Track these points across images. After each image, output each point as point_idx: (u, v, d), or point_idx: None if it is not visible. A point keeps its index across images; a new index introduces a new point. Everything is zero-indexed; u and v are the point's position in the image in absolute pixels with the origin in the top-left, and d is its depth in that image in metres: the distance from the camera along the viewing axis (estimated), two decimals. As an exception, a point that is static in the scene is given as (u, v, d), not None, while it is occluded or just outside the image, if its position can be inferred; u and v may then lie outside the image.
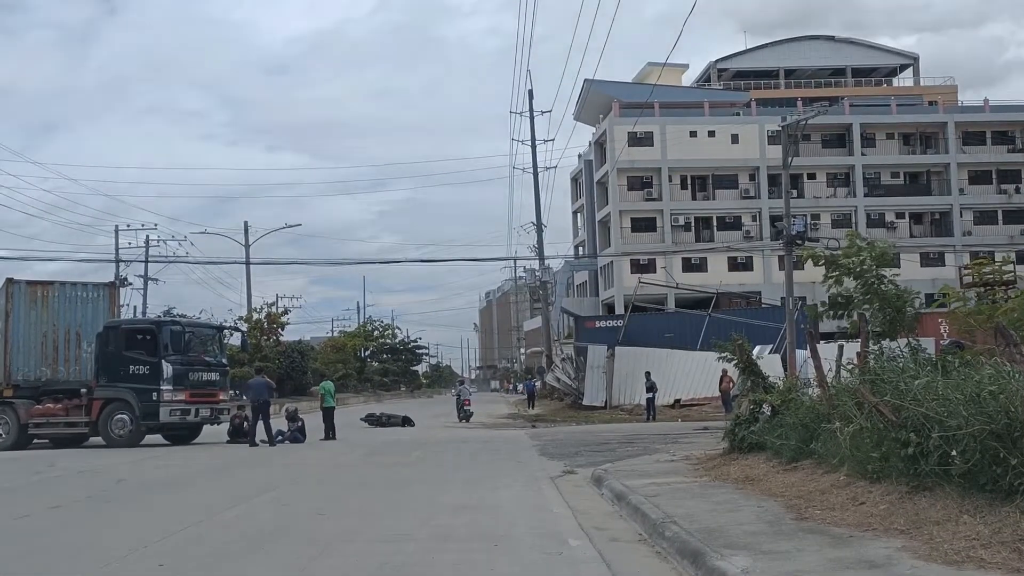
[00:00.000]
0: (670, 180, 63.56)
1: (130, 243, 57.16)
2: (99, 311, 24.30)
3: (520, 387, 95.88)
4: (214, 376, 24.08)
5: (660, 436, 22.08)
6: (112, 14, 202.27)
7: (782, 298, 36.04)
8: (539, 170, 56.39)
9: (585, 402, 37.28)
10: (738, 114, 65.73)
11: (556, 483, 13.17)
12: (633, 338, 39.51)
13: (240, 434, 24.11)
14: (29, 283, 24.25)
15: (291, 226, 61.00)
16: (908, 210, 65.06)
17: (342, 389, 47.32)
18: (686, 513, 8.73)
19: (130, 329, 23.82)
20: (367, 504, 11.28)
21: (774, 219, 59.51)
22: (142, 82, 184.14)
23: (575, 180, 77.23)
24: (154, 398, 22.75)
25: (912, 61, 77.46)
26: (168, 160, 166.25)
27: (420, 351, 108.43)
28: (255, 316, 52.00)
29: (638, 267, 60.65)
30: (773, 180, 61.94)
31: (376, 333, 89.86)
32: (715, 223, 63.77)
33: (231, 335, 32.72)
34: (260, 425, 22.71)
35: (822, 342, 23.62)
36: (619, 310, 57.22)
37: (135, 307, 52.91)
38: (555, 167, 70.56)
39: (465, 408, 35.00)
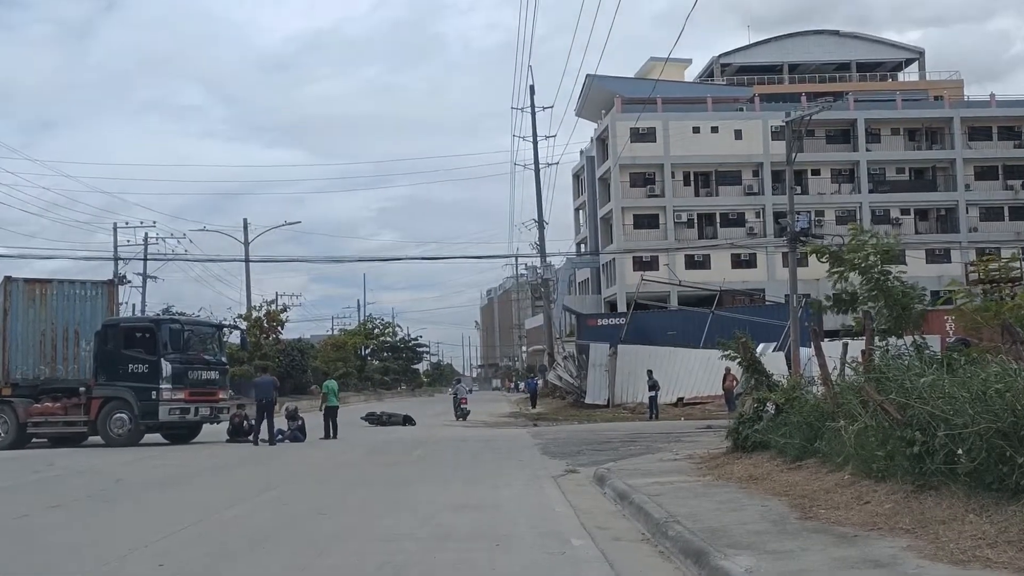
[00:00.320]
0: (673, 176, 63.50)
1: (129, 241, 57.00)
2: (98, 309, 24.32)
3: (522, 386, 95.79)
4: (213, 375, 24.10)
5: (663, 435, 22.10)
6: (110, 10, 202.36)
7: (786, 295, 36.06)
8: (540, 167, 56.25)
9: (587, 400, 37.29)
10: (741, 109, 65.65)
11: (558, 482, 13.17)
12: (636, 336, 39.50)
13: (240, 433, 24.14)
14: (27, 281, 24.25)
15: (291, 223, 61.07)
16: (913, 206, 64.99)
17: (342, 388, 47.20)
18: (689, 512, 8.73)
19: (129, 327, 23.85)
20: (367, 503, 11.29)
21: (778, 216, 59.48)
22: (141, 78, 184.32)
23: (577, 177, 77.17)
24: (153, 397, 22.76)
25: (918, 56, 77.35)
26: (167, 157, 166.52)
27: (421, 349, 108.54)
28: (255, 314, 52.01)
29: (641, 264, 60.60)
30: (777, 176, 61.89)
31: (376, 331, 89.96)
32: (718, 220, 63.72)
33: (230, 333, 32.79)
34: (263, 424, 22.74)
35: (826, 340, 23.59)
36: (621, 308, 57.16)
37: (134, 305, 52.99)
38: (557, 164, 70.69)
39: (462, 407, 35.15)
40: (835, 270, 12.28)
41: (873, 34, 78.99)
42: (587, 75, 59.17)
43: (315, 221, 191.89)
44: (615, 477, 12.20)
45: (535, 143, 55.98)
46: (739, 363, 15.53)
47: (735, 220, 63.59)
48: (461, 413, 34.99)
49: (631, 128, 58.57)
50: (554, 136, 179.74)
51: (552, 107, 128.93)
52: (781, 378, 15.16)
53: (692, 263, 61.54)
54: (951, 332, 30.60)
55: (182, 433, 24.26)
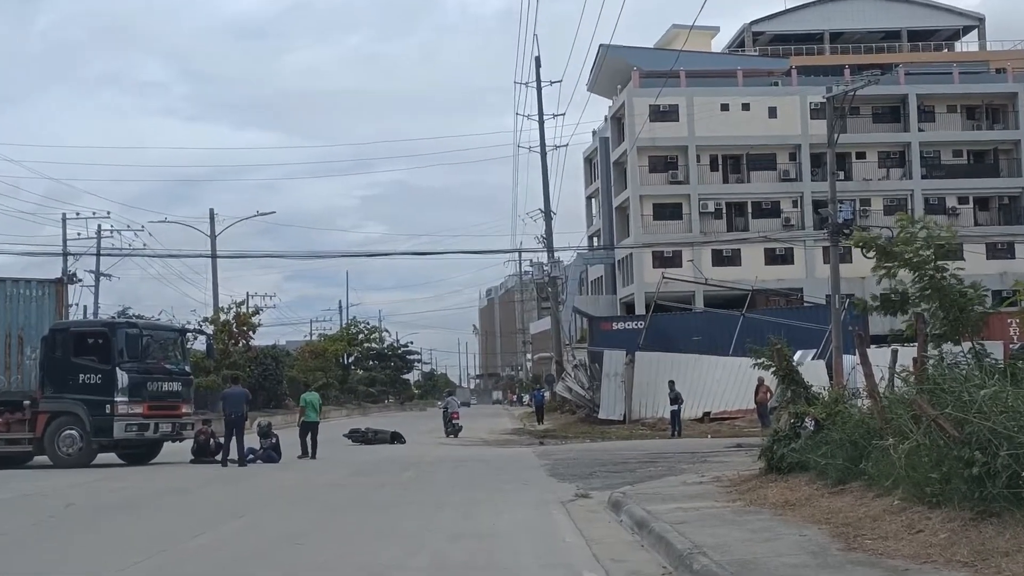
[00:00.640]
0: (698, 160, 63.49)
1: (80, 233, 56.92)
2: (44, 311, 24.32)
3: (526, 398, 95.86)
4: (176, 386, 24.15)
5: (687, 454, 22.15)
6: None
7: (827, 295, 36.00)
8: (548, 149, 56.36)
9: (601, 415, 37.35)
10: (776, 84, 65.60)
11: (567, 508, 13.20)
12: (656, 342, 39.51)
13: (205, 452, 24.18)
14: (-37, 279, 24.27)
15: (263, 214, 60.93)
16: (972, 194, 64.93)
17: (323, 401, 47.23)
18: (717, 543, 8.73)
19: (80, 332, 23.87)
20: (350, 531, 11.30)
21: (818, 205, 59.46)
22: (93, 50, 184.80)
23: (589, 161, 77.18)
24: (107, 411, 22.79)
25: (977, 23, 77.24)
26: (123, 139, 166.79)
27: (411, 357, 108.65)
28: (222, 317, 51.97)
29: (661, 260, 60.56)
30: (817, 160, 61.87)
31: (361, 337, 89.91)
32: (750, 209, 63.70)
33: (195, 339, 32.75)
34: (232, 442, 22.78)
35: (873, 346, 23.56)
36: (640, 310, 57.09)
37: (85, 307, 52.99)
38: (566, 146, 71.44)
39: (453, 422, 35.49)
40: (883, 266, 12.26)
41: (926, -2, 78.93)
42: (600, 45, 59.08)
43: (291, 211, 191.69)
44: (632, 502, 12.21)
45: (541, 122, 56.10)
46: (773, 373, 15.57)
47: (769, 210, 63.55)
48: (452, 429, 35.28)
49: (650, 105, 58.55)
50: (563, 115, 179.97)
51: (561, 82, 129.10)
52: (821, 390, 15.18)
53: (720, 259, 61.50)
54: (1015, 338, 30.53)
55: (140, 452, 24.29)
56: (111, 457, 24.11)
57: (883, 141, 65.24)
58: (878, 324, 28.93)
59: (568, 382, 42.61)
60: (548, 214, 55.34)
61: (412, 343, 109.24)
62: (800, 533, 9.07)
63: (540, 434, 35.21)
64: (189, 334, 29.33)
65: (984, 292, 12.33)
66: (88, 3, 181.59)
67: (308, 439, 25.23)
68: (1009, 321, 29.76)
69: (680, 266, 58.83)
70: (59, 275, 34.30)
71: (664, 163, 64.11)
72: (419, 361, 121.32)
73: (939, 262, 11.78)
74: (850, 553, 7.97)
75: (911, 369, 11.50)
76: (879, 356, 13.36)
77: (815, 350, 35.16)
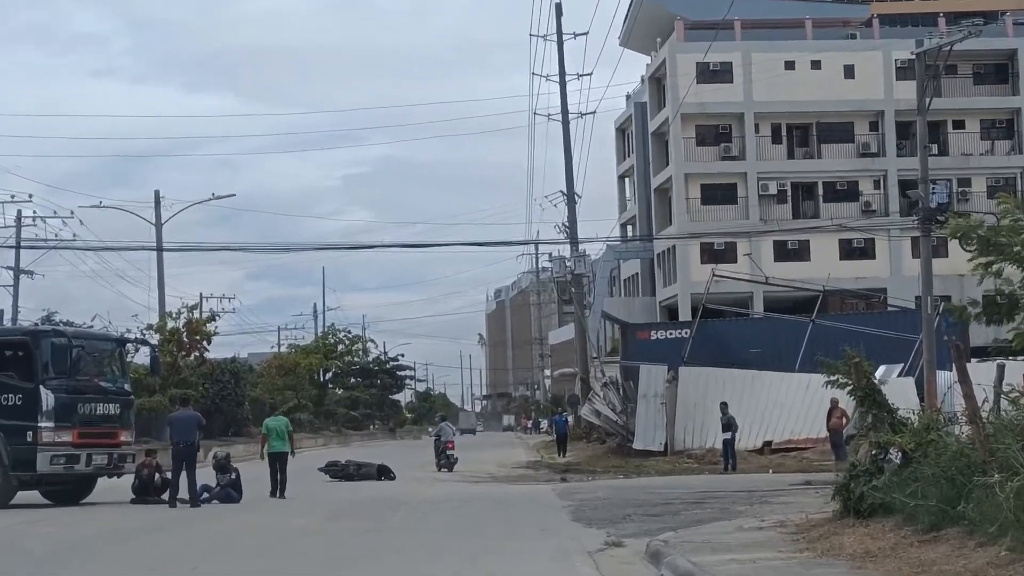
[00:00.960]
0: (757, 130, 63.33)
1: (-5, 222, 57.00)
2: (-48, 317, 24.46)
3: (544, 424, 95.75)
4: (113, 408, 24.16)
5: (743, 493, 22.13)
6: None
7: (916, 298, 35.87)
8: (571, 117, 56.13)
9: (637, 445, 37.27)
10: (854, 36, 65.36)
11: (595, 559, 13.18)
12: (704, 354, 39.41)
13: (149, 490, 24.18)
14: None
15: (221, 197, 60.95)
16: (1098, 172, 64.60)
17: (295, 428, 47.17)
18: (780, 602, 8.69)
19: (-5, 342, 23.96)
20: (328, 589, 11.29)
21: (905, 185, 59.11)
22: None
23: (622, 131, 77.03)
24: (29, 439, 22.75)
25: (1103, -40, 76.88)
26: (50, 105, 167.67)
27: (403, 373, 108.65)
28: (170, 324, 52.05)
29: (711, 254, 60.36)
30: (904, 130, 61.65)
31: (341, 348, 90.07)
32: (821, 191, 63.50)
33: (136, 351, 32.74)
34: (182, 478, 22.78)
35: (973, 360, 23.38)
36: (684, 315, 56.87)
37: (1, 311, 53.12)
38: (593, 113, 70.19)
39: (447, 452, 35.79)
40: (985, 261, 12.19)
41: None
42: (636, -12, 58.97)
43: (255, 194, 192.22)
44: (676, 553, 12.19)
45: (563, 84, 55.93)
46: (850, 393, 15.49)
47: (844, 192, 63.34)
48: (446, 461, 35.60)
49: (698, 63, 58.27)
50: (589, 75, 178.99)
51: (587, 34, 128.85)
52: (910, 414, 15.11)
53: (784, 252, 61.31)
54: None
55: (70, 490, 24.28)
56: (34, 495, 24.10)
57: (986, 107, 64.95)
58: (980, 334, 28.71)
59: (596, 404, 42.48)
60: (571, 197, 55.21)
61: (403, 356, 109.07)
62: (883, 591, 9.02)
63: (562, 468, 35.14)
64: (129, 345, 29.34)
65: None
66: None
67: (276, 474, 25.21)
68: None
69: (734, 261, 58.53)
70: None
71: (715, 134, 63.90)
72: (412, 378, 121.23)
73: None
74: (945, 616, 7.92)
75: (1021, 389, 11.45)
76: (981, 372, 13.32)
77: (902, 365, 35.00)
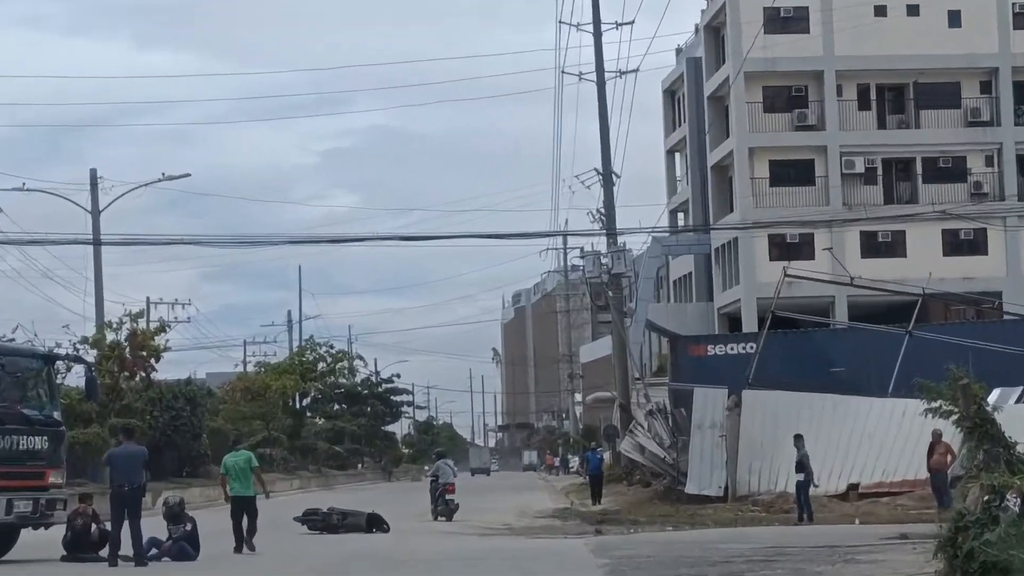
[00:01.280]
0: (840, 93, 63.14)
1: None
2: None
3: (574, 462, 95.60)
4: (39, 442, 24.13)
5: (823, 549, 21.99)
6: None
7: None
8: (608, 77, 56.16)
9: (689, 489, 37.29)
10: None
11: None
12: (773, 374, 39.27)
13: (83, 545, 24.18)
14: None
15: (173, 178, 61.11)
16: None
17: (265, 466, 47.11)
18: None
19: None
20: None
21: (1025, 162, 59.13)
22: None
23: (671, 94, 76.98)
24: (-67, 481, 22.86)
25: None
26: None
27: (399, 399, 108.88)
28: (110, 336, 52.20)
29: (783, 248, 60.25)
30: (1023, 91, 61.51)
31: (322, 367, 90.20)
32: (919, 169, 63.33)
33: (68, 370, 32.81)
34: (124, 529, 22.78)
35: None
36: (749, 325, 56.72)
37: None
38: (635, 71, 70.00)
39: (446, 497, 36.12)
40: None
41: None
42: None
43: (215, 174, 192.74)
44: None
45: (598, 36, 55.88)
46: (956, 423, 15.40)
47: (949, 170, 63.14)
48: (445, 508, 35.97)
49: (765, 8, 58.29)
50: (631, 23, 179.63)
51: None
52: (1033, 450, 15.03)
53: (873, 246, 61.20)
54: None
55: (-15, 544, 24.32)
56: (-60, 552, 24.19)
57: None
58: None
59: (639, 437, 42.46)
60: (608, 177, 55.14)
61: (399, 377, 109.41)
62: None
63: (596, 518, 35.08)
64: (60, 363, 29.40)
65: None
66: None
67: (242, 524, 25.20)
68: None
69: (811, 257, 58.40)
70: None
71: (787, 98, 63.78)
72: (410, 405, 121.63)
73: None
74: None
75: None
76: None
77: (1022, 388, 34.81)
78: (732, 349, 43.52)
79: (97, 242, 54.46)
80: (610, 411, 67.74)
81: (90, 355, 47.53)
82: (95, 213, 55.78)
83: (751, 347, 42.24)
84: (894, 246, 61.33)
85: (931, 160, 63.42)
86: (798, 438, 32.16)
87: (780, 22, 61.17)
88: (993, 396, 24.84)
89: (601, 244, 57.03)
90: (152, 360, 52.58)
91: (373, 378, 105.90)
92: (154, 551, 23.45)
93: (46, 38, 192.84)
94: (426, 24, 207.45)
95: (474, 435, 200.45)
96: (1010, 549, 12.31)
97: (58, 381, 27.44)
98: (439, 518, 35.70)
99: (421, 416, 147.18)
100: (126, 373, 51.23)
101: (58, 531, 24.71)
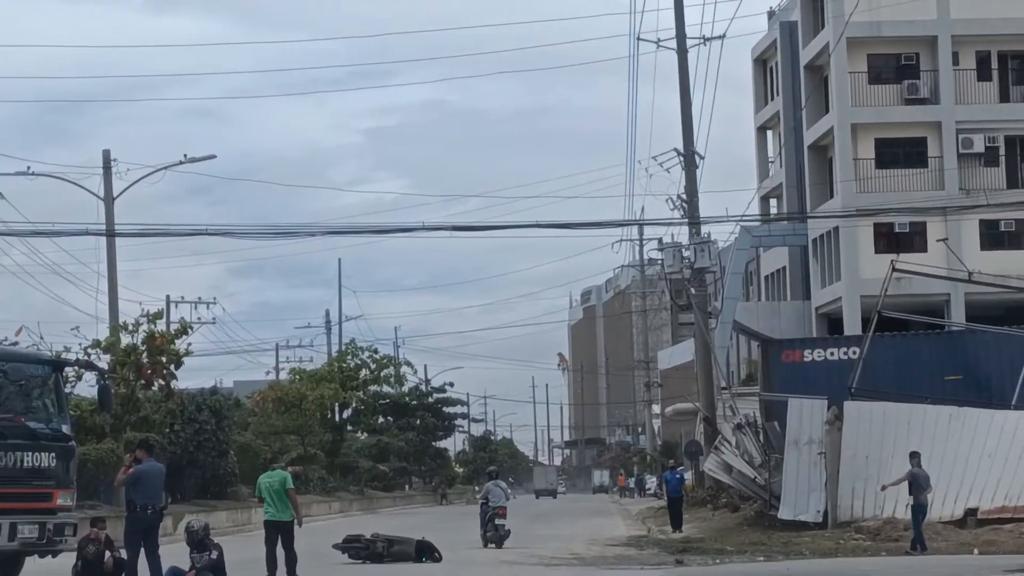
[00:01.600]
0: (956, 61, 62.75)
1: None
2: None
3: (651, 483, 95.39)
4: (46, 459, 24.27)
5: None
6: None
7: None
8: (690, 45, 55.91)
9: (783, 514, 37.26)
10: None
11: None
12: (879, 383, 39.18)
13: (97, 573, 24.35)
14: None
15: (196, 160, 61.35)
16: None
17: (301, 488, 47.23)
18: None
19: None
20: None
21: None
22: None
23: (763, 64, 76.74)
24: (-72, 502, 23.08)
25: None
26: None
27: (452, 410, 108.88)
28: (125, 340, 52.46)
29: (890, 239, 60.05)
30: None
31: (365, 374, 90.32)
32: (1049, 150, 62.93)
33: (79, 378, 33.00)
34: (141, 557, 22.95)
35: None
36: (852, 327, 56.48)
37: None
38: (722, 37, 69.71)
39: (496, 522, 36.61)
40: None
41: None
42: None
43: (244, 156, 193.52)
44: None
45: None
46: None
47: (1083, 151, 62.76)
48: (494, 534, 36.42)
49: (871, -35, 58.15)
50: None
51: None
52: None
53: (995, 237, 60.93)
54: None
55: (-13, 574, 24.57)
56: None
57: None
58: None
59: (725, 455, 42.38)
60: (690, 158, 54.98)
61: (452, 386, 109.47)
62: None
63: (677, 546, 35.07)
64: (69, 370, 29.59)
65: None
66: None
67: (275, 551, 25.35)
68: None
69: (923, 250, 58.24)
70: None
71: (895, 67, 63.53)
72: (465, 417, 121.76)
73: None
74: None
75: None
76: None
77: None
78: (832, 354, 43.27)
79: (111, 233, 54.62)
80: (692, 425, 67.86)
81: (103, 361, 47.73)
82: (108, 200, 56.02)
83: (854, 352, 41.99)
84: (1018, 236, 61.04)
85: (1062, 139, 63.13)
86: (913, 456, 32.08)
87: (888, -20, 60.93)
88: None
89: (682, 235, 56.93)
90: (172, 366, 52.69)
91: (423, 387, 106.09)
92: (175, 582, 23.60)
93: (47, 2, 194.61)
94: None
95: (537, 452, 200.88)
96: None
97: (67, 390, 27.58)
98: (489, 544, 36.11)
99: (477, 430, 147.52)
100: (143, 381, 51.43)
101: (67, 559, 24.92)
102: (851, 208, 60.03)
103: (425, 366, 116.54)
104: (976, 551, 29.83)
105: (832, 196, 64.22)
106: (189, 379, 58.28)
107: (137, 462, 24.49)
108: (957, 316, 54.06)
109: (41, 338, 47.50)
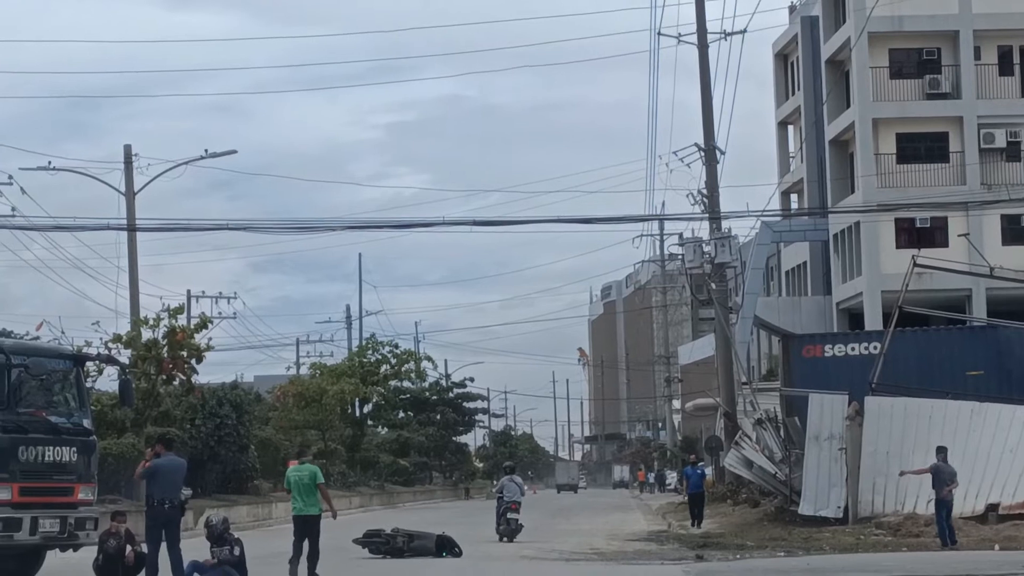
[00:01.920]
0: (978, 56, 62.59)
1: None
2: None
3: (671, 479, 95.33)
4: (68, 454, 24.36)
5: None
6: None
7: None
8: (711, 39, 55.89)
9: (804, 510, 37.27)
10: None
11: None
12: (900, 378, 39.13)
13: (114, 570, 24.35)
14: None
15: (217, 155, 61.37)
16: None
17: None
18: None
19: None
20: None
21: None
22: None
23: (784, 59, 76.65)
24: (-51, 497, 23.13)
25: None
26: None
27: (473, 405, 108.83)
28: (146, 334, 52.50)
29: (912, 234, 59.90)
30: None
31: (385, 369, 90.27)
32: (1071, 144, 62.69)
33: (100, 372, 32.98)
34: (162, 551, 22.95)
35: None
36: (873, 322, 56.38)
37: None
38: (743, 32, 69.66)
39: (508, 516, 37.04)
40: None
41: None
42: None
43: (264, 151, 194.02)
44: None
45: (699, -8, 55.69)
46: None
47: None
48: (505, 528, 36.94)
49: (892, -41, 58.03)
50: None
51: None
52: None
53: (1016, 231, 60.81)
54: None
55: (8, 567, 24.52)
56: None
57: None
58: None
59: (745, 450, 42.34)
60: (711, 153, 54.96)
61: (473, 381, 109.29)
62: None
63: (698, 542, 35.06)
64: (90, 364, 29.59)
65: None
66: None
67: (303, 544, 25.40)
68: None
69: (945, 245, 58.14)
70: None
71: (917, 61, 63.37)
72: (485, 412, 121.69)
73: None
74: None
75: None
76: None
77: None
78: (853, 349, 43.19)
79: (132, 227, 54.76)
80: (712, 420, 67.85)
81: (124, 355, 47.77)
82: (130, 195, 56.04)
83: (875, 347, 41.90)
84: (1042, 232, 60.82)
85: (1085, 134, 62.86)
86: (940, 450, 32.11)
87: (910, -26, 60.82)
88: None
89: (703, 230, 56.86)
90: (193, 361, 52.75)
91: (443, 382, 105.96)
92: (196, 576, 23.62)
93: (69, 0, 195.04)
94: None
95: (557, 447, 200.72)
96: None
97: (88, 385, 27.57)
98: (503, 539, 36.51)
99: (498, 425, 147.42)
100: (164, 376, 51.48)
101: (88, 553, 24.95)
102: (872, 203, 59.88)
103: (445, 361, 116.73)
104: (997, 547, 29.80)
105: (853, 191, 64.14)
106: (210, 374, 58.37)
107: (157, 457, 24.52)
108: (978, 311, 53.96)
109: (62, 333, 47.75)
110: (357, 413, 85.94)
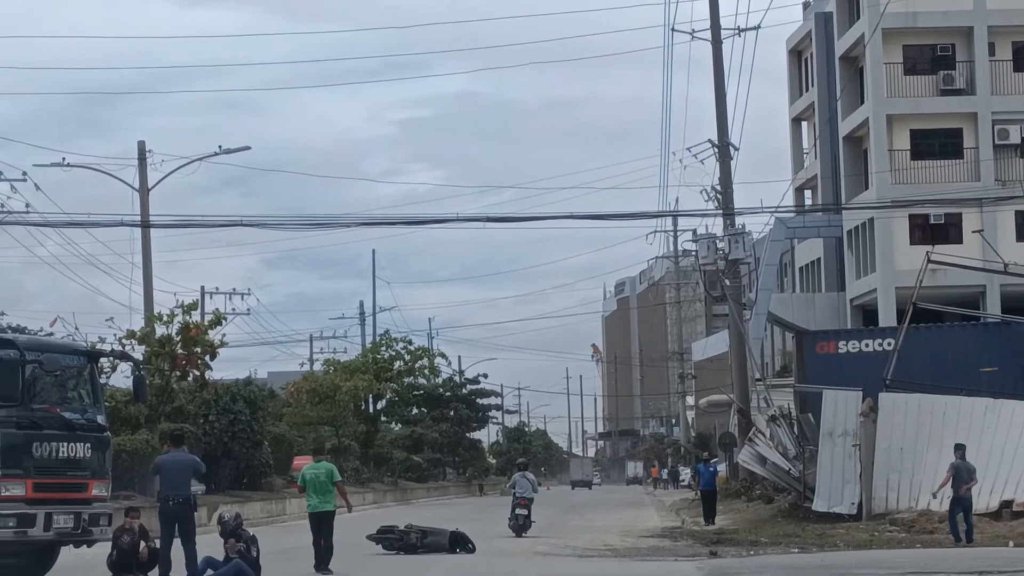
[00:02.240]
0: (992, 52, 62.46)
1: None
2: None
3: (684, 475, 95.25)
4: (82, 449, 24.34)
5: (974, 576, 21.78)
6: None
7: None
8: (725, 36, 55.78)
9: (818, 506, 37.22)
10: None
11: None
12: (914, 375, 39.06)
13: (130, 565, 24.43)
14: None
15: (231, 151, 61.43)
16: None
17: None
18: None
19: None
20: None
21: None
22: None
23: (798, 55, 76.53)
24: (-36, 492, 23.15)
25: None
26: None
27: (486, 401, 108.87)
28: (160, 330, 52.56)
29: (925, 231, 59.80)
30: None
31: (399, 366, 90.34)
32: (1087, 141, 62.52)
33: (114, 368, 33.00)
34: (174, 547, 22.97)
35: None
36: (887, 318, 56.29)
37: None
38: (757, 28, 69.51)
39: (516, 511, 37.43)
40: None
41: None
42: None
43: (278, 147, 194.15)
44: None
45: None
46: None
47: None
48: (514, 523, 37.30)
49: (906, -45, 57.93)
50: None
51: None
52: None
53: (1030, 229, 60.56)
54: None
55: (22, 563, 24.61)
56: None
57: None
58: None
59: (759, 447, 42.30)
60: (725, 149, 54.87)
61: (486, 377, 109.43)
62: None
63: (711, 538, 35.03)
64: (104, 360, 29.59)
65: None
66: None
67: (320, 541, 25.48)
68: None
69: (959, 241, 58.01)
70: None
71: (931, 57, 63.27)
72: (498, 408, 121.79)
73: None
74: None
75: None
76: None
77: None
78: (867, 346, 43.17)
79: (146, 224, 54.79)
80: (726, 417, 67.76)
81: (138, 351, 47.82)
82: (143, 191, 56.13)
83: (889, 343, 41.87)
84: (1056, 229, 60.70)
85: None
86: (958, 448, 32.00)
87: (924, -31, 60.76)
88: None
89: (717, 226, 56.75)
90: (207, 357, 52.80)
91: (457, 378, 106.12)
92: (210, 572, 23.60)
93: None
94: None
95: (571, 443, 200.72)
96: None
97: (102, 381, 27.57)
98: (516, 534, 36.82)
99: (511, 421, 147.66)
100: (178, 372, 51.52)
101: (102, 549, 25.02)
102: (886, 199, 59.84)
103: (459, 357, 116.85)
104: (1011, 544, 29.76)
105: (867, 187, 64.04)
106: (224, 370, 58.47)
107: (166, 451, 24.60)
108: (992, 307, 53.80)
109: (76, 329, 47.81)
110: (371, 409, 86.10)
